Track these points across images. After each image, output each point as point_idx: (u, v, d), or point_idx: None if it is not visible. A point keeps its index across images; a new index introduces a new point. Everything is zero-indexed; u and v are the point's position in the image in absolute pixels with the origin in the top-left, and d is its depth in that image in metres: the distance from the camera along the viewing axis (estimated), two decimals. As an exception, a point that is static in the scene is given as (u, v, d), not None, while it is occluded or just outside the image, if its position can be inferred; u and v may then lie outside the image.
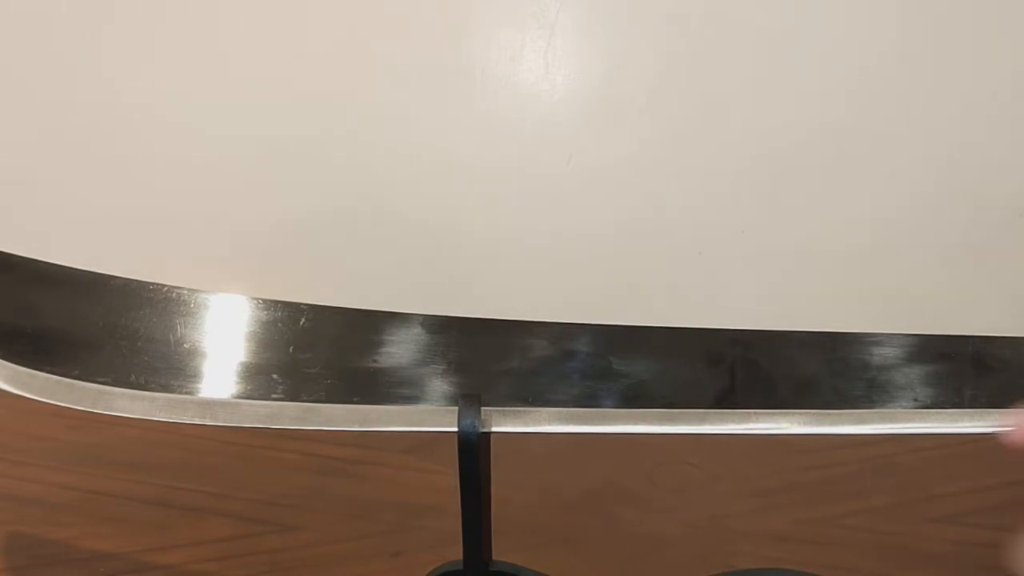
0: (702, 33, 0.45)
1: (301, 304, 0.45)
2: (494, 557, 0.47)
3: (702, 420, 0.44)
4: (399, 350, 0.44)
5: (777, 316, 0.44)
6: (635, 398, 0.44)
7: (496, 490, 0.45)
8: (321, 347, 0.45)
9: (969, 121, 0.45)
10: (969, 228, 0.45)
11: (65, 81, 0.48)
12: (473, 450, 0.43)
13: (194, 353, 0.45)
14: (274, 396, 0.44)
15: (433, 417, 0.44)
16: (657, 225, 0.46)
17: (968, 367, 0.44)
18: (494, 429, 0.43)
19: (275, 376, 0.44)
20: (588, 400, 0.44)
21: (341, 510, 0.64)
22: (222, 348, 0.45)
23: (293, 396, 0.44)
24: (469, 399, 0.43)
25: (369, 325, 0.45)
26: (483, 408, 0.43)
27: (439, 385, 0.44)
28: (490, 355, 0.44)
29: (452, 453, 0.43)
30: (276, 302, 0.45)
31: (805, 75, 0.45)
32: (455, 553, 0.46)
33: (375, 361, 0.44)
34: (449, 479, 0.44)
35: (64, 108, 0.48)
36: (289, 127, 0.46)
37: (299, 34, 0.46)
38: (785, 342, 0.45)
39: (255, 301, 0.45)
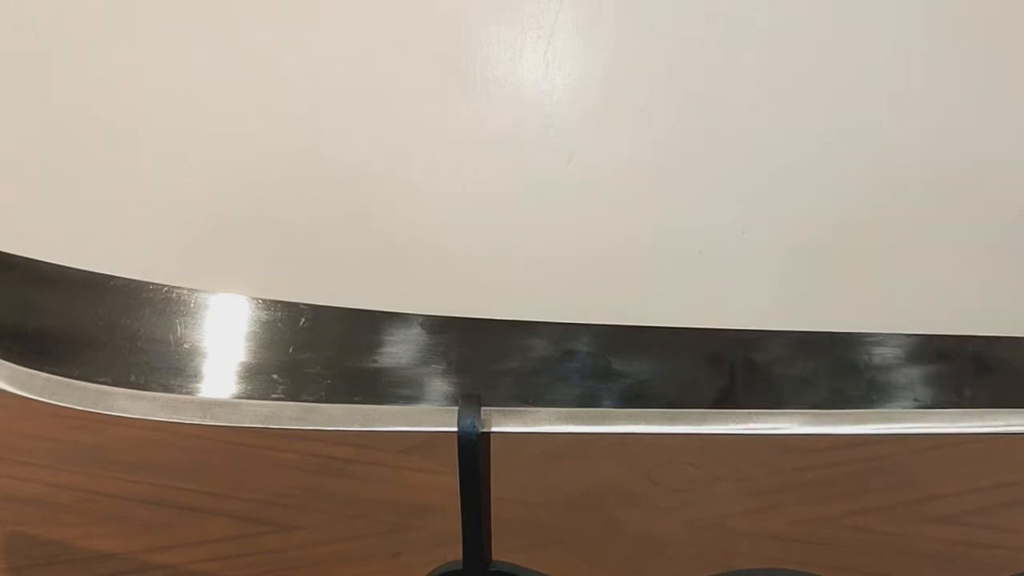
0: (702, 34, 0.45)
1: (301, 304, 0.45)
2: (494, 557, 0.47)
3: (702, 420, 0.44)
4: (399, 350, 0.44)
5: (777, 316, 0.44)
6: (635, 398, 0.44)
7: (496, 490, 0.45)
8: (321, 347, 0.45)
9: (970, 122, 0.45)
10: (969, 228, 0.45)
11: (65, 82, 0.48)
12: (473, 450, 0.43)
13: (194, 353, 0.45)
14: (274, 396, 0.44)
15: (433, 417, 0.44)
16: (657, 225, 0.46)
17: (968, 367, 0.44)
18: (494, 429, 0.43)
19: (275, 376, 0.44)
20: (588, 400, 0.44)
21: (341, 510, 0.64)
22: (222, 348, 0.45)
23: (293, 396, 0.44)
24: (469, 399, 0.43)
25: (369, 325, 0.45)
26: (483, 408, 0.43)
27: (439, 385, 0.44)
28: (490, 355, 0.45)
29: (452, 453, 0.43)
30: (276, 302, 0.45)
31: (805, 75, 0.45)
32: (455, 553, 0.46)
33: (375, 361, 0.44)
34: (449, 479, 0.44)
35: (64, 109, 0.48)
36: (286, 129, 0.46)
37: (297, 35, 0.46)
38: (785, 342, 0.45)
39: (255, 301, 0.45)
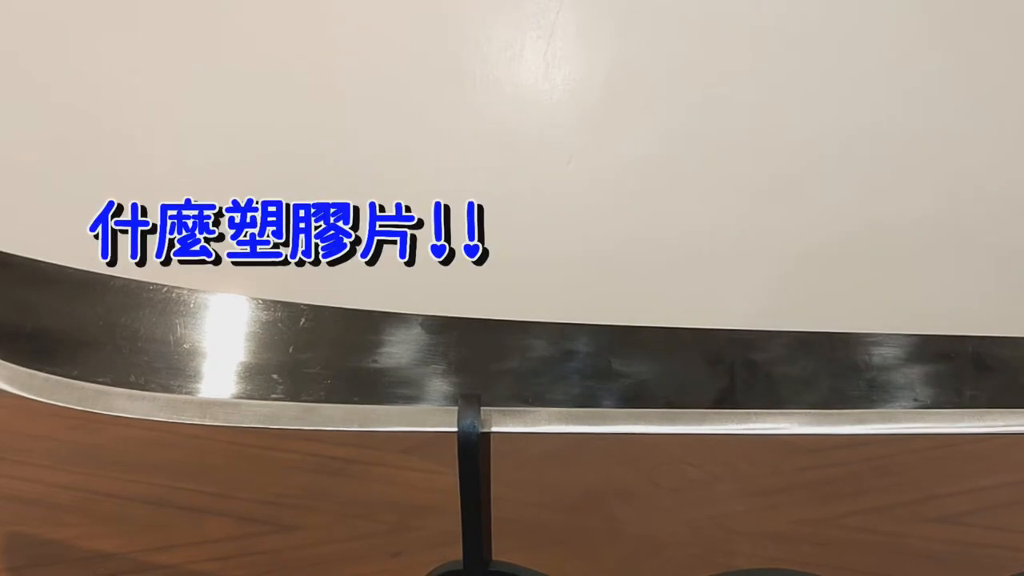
0: (704, 33, 0.45)
1: (301, 304, 0.45)
2: (494, 557, 0.47)
3: (702, 420, 0.44)
4: (399, 350, 0.44)
5: (777, 316, 0.44)
6: (635, 398, 0.44)
7: (496, 490, 0.45)
8: (321, 347, 0.45)
9: (969, 120, 0.45)
10: (969, 228, 0.45)
11: (64, 79, 0.48)
12: (473, 450, 0.43)
13: (194, 353, 0.45)
14: (274, 396, 0.44)
15: (433, 417, 0.44)
16: (657, 225, 0.46)
17: (968, 367, 0.44)
18: (494, 429, 0.43)
19: (275, 376, 0.44)
20: (588, 400, 0.44)
21: (341, 510, 0.64)
22: (222, 348, 0.45)
23: (293, 396, 0.44)
24: (469, 399, 0.43)
25: (369, 325, 0.45)
26: (483, 408, 0.43)
27: (439, 385, 0.44)
28: (490, 355, 0.45)
29: (452, 453, 0.43)
30: (276, 302, 0.45)
31: (806, 75, 0.45)
32: (455, 553, 0.46)
33: (375, 361, 0.44)
34: (449, 479, 0.44)
35: (63, 109, 0.48)
36: (284, 129, 0.46)
37: (295, 34, 0.46)
38: (785, 342, 0.45)
39: (255, 301, 0.45)
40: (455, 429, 0.43)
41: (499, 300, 0.45)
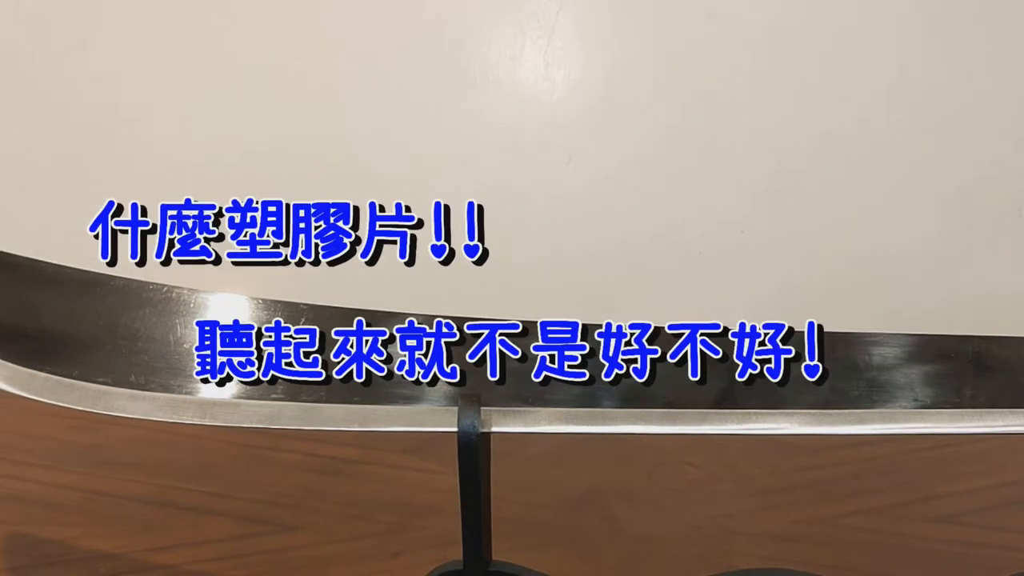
0: (704, 33, 0.45)
1: (301, 304, 0.45)
2: (494, 557, 0.47)
3: (702, 420, 0.44)
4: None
5: (777, 316, 0.44)
6: (635, 398, 0.44)
7: (496, 490, 0.45)
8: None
9: (969, 119, 0.45)
10: (969, 228, 0.45)
11: (63, 78, 0.48)
12: (473, 450, 0.43)
13: (194, 353, 0.44)
14: (274, 396, 0.44)
15: (433, 417, 0.44)
16: (657, 225, 0.46)
17: (968, 367, 0.44)
18: (494, 429, 0.43)
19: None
20: (588, 400, 0.44)
21: (341, 510, 0.64)
22: (222, 348, 0.45)
23: (293, 396, 0.44)
24: (469, 399, 0.43)
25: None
26: (483, 408, 0.43)
27: (439, 385, 0.44)
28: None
29: (452, 453, 0.43)
30: (276, 302, 0.45)
31: (807, 75, 0.45)
32: (455, 553, 0.46)
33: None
34: (449, 479, 0.44)
35: (63, 106, 0.48)
36: (284, 129, 0.46)
37: (295, 34, 0.46)
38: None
39: (255, 301, 0.45)
40: (455, 429, 0.43)
41: (499, 300, 0.45)
